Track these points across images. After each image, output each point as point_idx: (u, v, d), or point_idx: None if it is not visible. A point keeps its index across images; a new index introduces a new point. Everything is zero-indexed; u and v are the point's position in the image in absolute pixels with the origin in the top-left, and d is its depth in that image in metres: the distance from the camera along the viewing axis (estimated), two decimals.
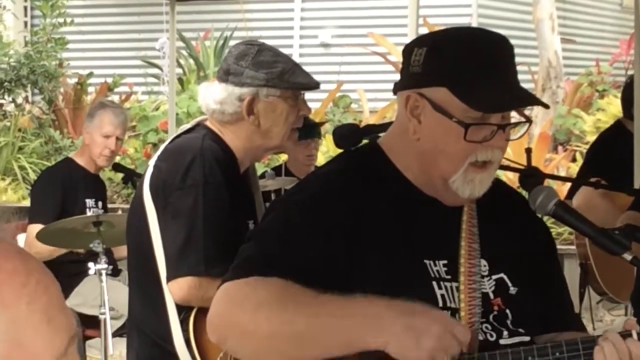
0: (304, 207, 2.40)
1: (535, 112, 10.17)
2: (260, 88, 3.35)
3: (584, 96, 12.24)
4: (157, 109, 12.09)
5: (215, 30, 13.02)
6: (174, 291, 3.26)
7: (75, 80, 12.36)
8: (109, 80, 12.51)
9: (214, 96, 3.39)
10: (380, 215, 2.38)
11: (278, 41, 10.93)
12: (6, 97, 11.54)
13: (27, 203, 7.86)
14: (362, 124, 2.94)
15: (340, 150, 2.68)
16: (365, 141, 2.69)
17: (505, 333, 2.39)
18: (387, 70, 11.82)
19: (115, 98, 11.78)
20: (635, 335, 2.26)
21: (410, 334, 2.17)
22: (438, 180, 2.40)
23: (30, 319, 1.25)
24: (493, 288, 2.42)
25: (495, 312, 2.40)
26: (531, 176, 3.52)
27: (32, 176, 10.59)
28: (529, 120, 2.47)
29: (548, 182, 5.69)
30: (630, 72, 11.00)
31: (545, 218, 2.70)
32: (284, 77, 3.36)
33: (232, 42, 11.45)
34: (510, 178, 7.34)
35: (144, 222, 3.35)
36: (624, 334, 2.27)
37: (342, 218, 2.35)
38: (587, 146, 8.07)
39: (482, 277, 2.41)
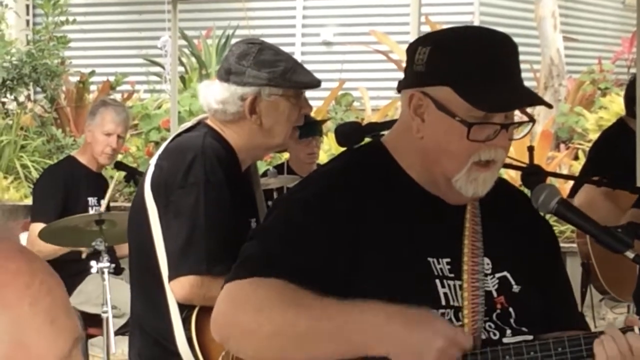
0: (307, 206, 2.40)
1: (537, 110, 10.16)
2: (262, 87, 3.35)
3: (586, 94, 12.24)
4: (159, 107, 12.09)
5: (217, 29, 13.03)
6: (176, 290, 3.26)
7: (77, 78, 12.37)
8: (111, 78, 12.51)
9: (215, 96, 3.39)
10: (383, 213, 2.38)
11: (280, 39, 10.94)
12: (8, 95, 11.54)
13: (29, 201, 7.85)
14: (364, 122, 2.94)
15: (343, 149, 2.68)
16: (367, 139, 2.69)
17: (509, 332, 2.39)
18: (389, 68, 11.82)
19: (118, 96, 11.79)
20: (637, 331, 2.26)
21: (412, 349, 2.18)
22: (441, 179, 2.40)
23: (33, 320, 1.25)
24: (496, 286, 2.42)
25: (499, 311, 2.40)
26: (533, 174, 3.52)
27: (35, 174, 10.60)
28: (532, 119, 2.47)
29: (550, 180, 5.69)
30: (632, 70, 11.00)
31: (547, 216, 2.70)
32: (286, 76, 3.35)
33: (234, 41, 11.44)
34: (513, 176, 7.33)
35: (145, 221, 3.35)
36: (625, 330, 2.28)
37: (345, 216, 2.35)
38: (590, 144, 8.07)
39: (486, 275, 2.41)
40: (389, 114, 11.21)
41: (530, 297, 2.45)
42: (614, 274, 5.54)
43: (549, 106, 2.51)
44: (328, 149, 9.84)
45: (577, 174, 7.43)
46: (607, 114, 11.17)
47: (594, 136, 9.30)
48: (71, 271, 5.61)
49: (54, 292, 1.28)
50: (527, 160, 3.71)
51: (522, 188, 3.16)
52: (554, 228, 2.77)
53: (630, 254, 2.37)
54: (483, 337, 2.35)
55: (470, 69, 2.32)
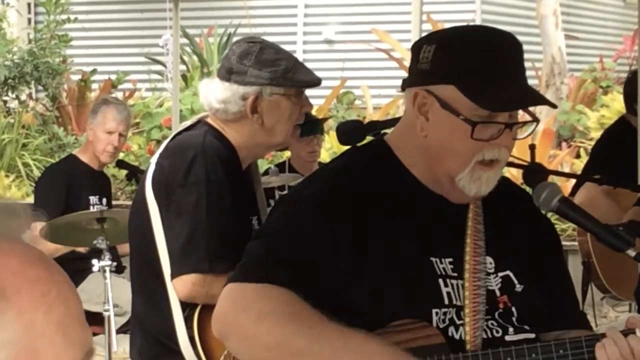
0: (310, 204, 2.40)
1: (539, 108, 10.14)
2: (264, 87, 3.34)
3: (588, 92, 12.23)
4: (160, 105, 12.09)
5: (218, 27, 13.02)
6: (178, 288, 3.25)
7: (79, 77, 12.37)
8: (113, 77, 12.51)
9: (216, 95, 3.38)
10: (386, 212, 2.38)
11: (282, 37, 10.95)
12: (10, 94, 11.54)
13: (30, 200, 7.85)
14: (366, 121, 2.93)
15: (344, 147, 2.68)
16: (369, 137, 2.69)
17: (511, 330, 2.39)
18: (391, 66, 11.82)
19: (119, 95, 11.78)
20: (639, 333, 2.26)
21: None
22: (444, 178, 2.40)
23: (47, 328, 1.25)
24: (499, 285, 2.42)
25: (501, 310, 2.41)
26: (535, 172, 3.52)
27: (36, 173, 10.60)
28: (536, 119, 2.46)
29: (552, 178, 5.68)
30: (634, 68, 10.99)
31: (549, 214, 2.70)
32: (288, 75, 3.35)
33: (235, 39, 11.44)
34: (514, 174, 7.33)
35: (147, 219, 3.34)
36: (626, 332, 2.27)
37: (349, 215, 2.35)
38: (591, 142, 8.07)
39: (488, 274, 2.41)
40: (390, 112, 11.21)
41: (533, 296, 2.45)
42: (615, 273, 5.53)
43: (554, 106, 2.52)
44: (329, 147, 9.84)
45: (578, 172, 7.42)
46: (608, 112, 11.17)
47: (595, 134, 9.30)
48: (73, 269, 5.59)
49: (70, 302, 1.28)
50: (528, 159, 3.71)
51: (524, 186, 3.15)
52: (556, 226, 2.77)
53: (631, 252, 2.37)
54: (484, 336, 2.35)
55: (475, 68, 2.32)
